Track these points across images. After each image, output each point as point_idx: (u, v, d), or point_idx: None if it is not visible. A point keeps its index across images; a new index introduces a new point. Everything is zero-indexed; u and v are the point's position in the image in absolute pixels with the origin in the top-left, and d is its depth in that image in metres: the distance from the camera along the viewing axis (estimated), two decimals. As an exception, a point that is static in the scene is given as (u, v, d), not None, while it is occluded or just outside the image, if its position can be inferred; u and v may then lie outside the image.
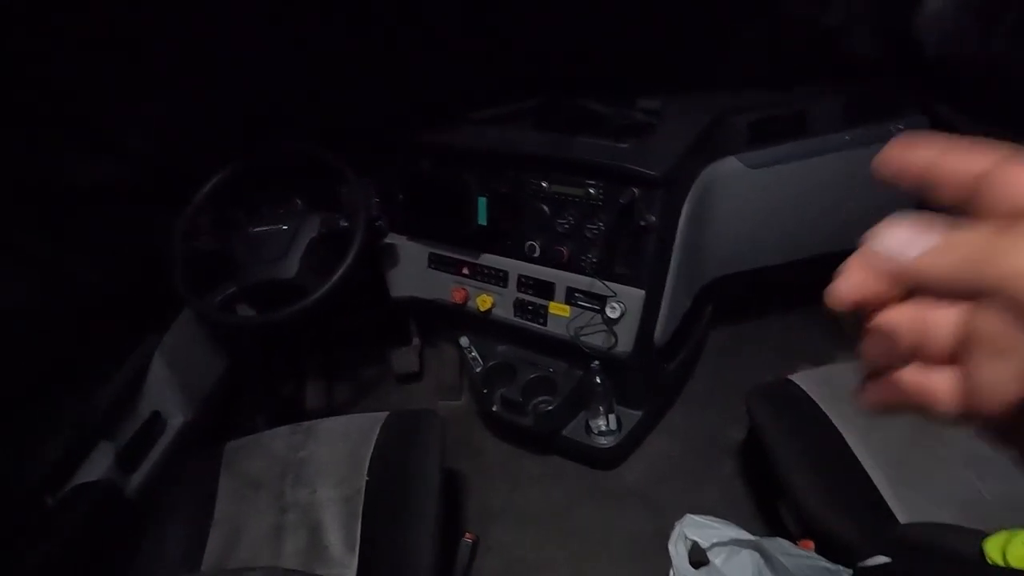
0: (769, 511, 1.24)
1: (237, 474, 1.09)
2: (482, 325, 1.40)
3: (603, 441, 1.36)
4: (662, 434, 1.51)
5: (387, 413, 1.14)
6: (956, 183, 0.20)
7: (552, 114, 1.24)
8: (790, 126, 1.23)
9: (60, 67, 1.01)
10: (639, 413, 1.40)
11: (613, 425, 1.36)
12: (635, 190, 1.08)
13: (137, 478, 1.13)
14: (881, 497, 0.89)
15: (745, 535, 0.93)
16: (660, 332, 1.22)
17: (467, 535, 0.95)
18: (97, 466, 1.07)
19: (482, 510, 1.42)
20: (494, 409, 1.38)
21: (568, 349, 1.29)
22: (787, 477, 0.95)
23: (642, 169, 1.06)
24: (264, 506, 1.03)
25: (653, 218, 1.07)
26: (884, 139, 1.00)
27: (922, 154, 0.21)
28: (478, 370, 1.42)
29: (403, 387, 1.80)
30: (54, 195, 1.08)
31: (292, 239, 1.19)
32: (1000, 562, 0.62)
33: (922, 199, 0.21)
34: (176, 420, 1.27)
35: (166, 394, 1.26)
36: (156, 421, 1.23)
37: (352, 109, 1.34)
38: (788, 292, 1.70)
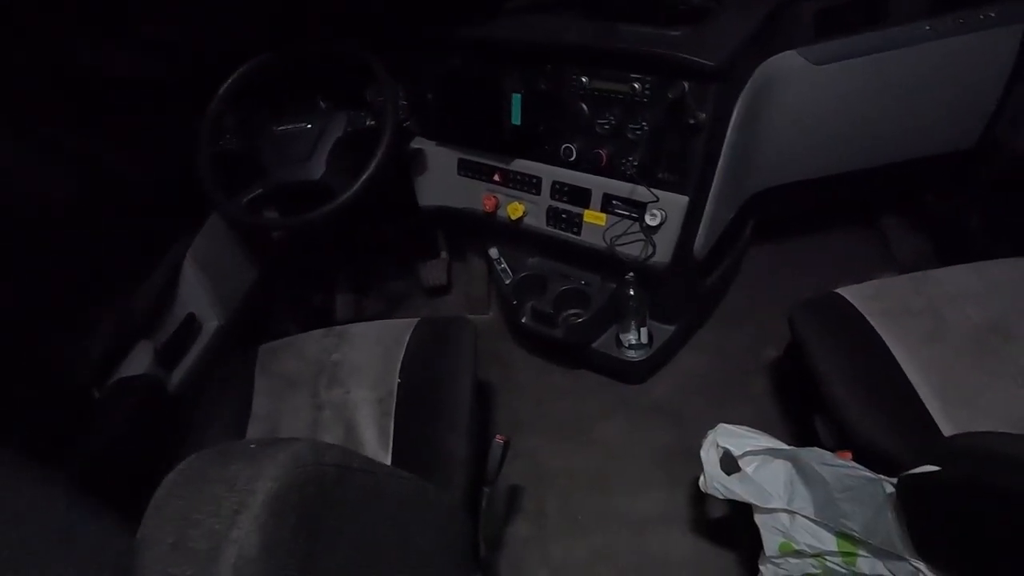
0: (802, 429, 1.22)
1: (273, 373, 1.11)
2: (513, 235, 1.35)
3: (633, 355, 1.34)
4: (693, 351, 1.48)
5: (418, 319, 1.13)
6: None
7: (597, 0, 1.12)
8: (863, 14, 1.10)
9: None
10: (672, 328, 1.37)
11: (644, 339, 1.34)
12: (685, 84, 0.98)
13: (177, 375, 1.17)
14: (928, 411, 0.86)
15: (780, 444, 0.92)
16: (701, 244, 1.16)
17: (499, 437, 0.96)
18: (138, 363, 1.10)
19: (510, 420, 1.44)
20: (524, 321, 1.37)
21: (602, 260, 1.25)
22: (829, 389, 0.92)
23: (695, 58, 0.96)
24: (300, 403, 1.05)
25: (704, 116, 0.98)
26: (972, 29, 0.86)
27: None
28: (508, 282, 1.39)
29: (431, 300, 1.80)
30: (88, 90, 1.04)
31: (318, 139, 1.14)
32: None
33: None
34: (211, 323, 1.29)
35: (200, 297, 1.27)
36: (192, 322, 1.24)
37: (383, 2, 1.24)
38: (835, 209, 1.60)
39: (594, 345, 1.38)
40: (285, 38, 1.18)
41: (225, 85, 1.15)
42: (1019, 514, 0.57)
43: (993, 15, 1.08)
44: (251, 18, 1.25)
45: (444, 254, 1.76)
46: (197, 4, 1.20)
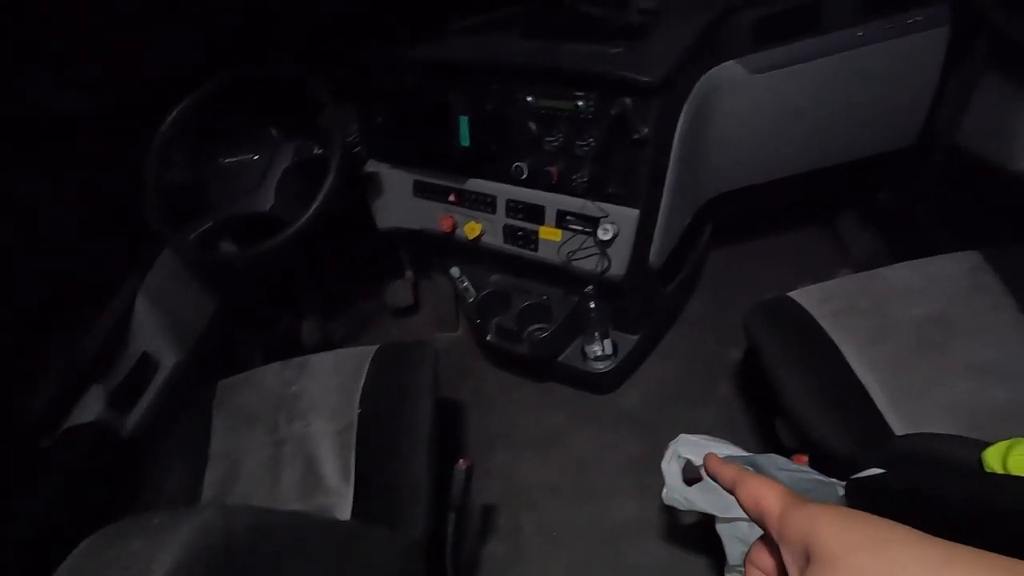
0: (765, 430, 1.24)
1: (231, 410, 1.09)
2: (473, 254, 1.35)
3: (599, 366, 1.35)
4: (659, 357, 1.50)
5: (377, 346, 1.12)
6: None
7: (541, 19, 1.13)
8: (798, 23, 1.12)
9: None
10: (635, 337, 1.38)
11: (609, 350, 1.34)
12: (627, 100, 1.00)
13: (132, 419, 1.14)
14: (878, 410, 0.88)
15: (738, 451, 0.93)
16: (656, 254, 1.17)
17: (461, 461, 0.95)
18: (89, 408, 1.07)
19: (482, 437, 1.44)
20: (489, 339, 1.37)
21: (561, 274, 1.25)
22: (783, 391, 0.94)
23: (635, 75, 0.97)
24: (259, 440, 1.03)
25: (647, 130, 1.00)
26: (901, 33, 0.89)
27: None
28: (471, 300, 1.39)
29: (399, 320, 1.79)
30: (27, 127, 1.02)
31: (266, 169, 1.12)
32: (1000, 470, 0.60)
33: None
34: (168, 361, 1.26)
35: (154, 335, 1.24)
36: (147, 362, 1.22)
37: (325, 24, 1.23)
38: (789, 210, 1.64)
39: (560, 358, 1.38)
40: (229, 66, 1.17)
41: (171, 116, 1.13)
42: (958, 519, 0.58)
43: (920, 19, 1.12)
44: (194, 47, 1.24)
45: (409, 274, 1.75)
46: (139, 35, 1.18)
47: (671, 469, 0.94)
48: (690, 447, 0.96)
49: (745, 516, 0.87)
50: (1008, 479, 0.58)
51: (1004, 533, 0.51)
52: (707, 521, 1.14)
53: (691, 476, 0.95)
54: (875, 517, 0.25)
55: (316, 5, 1.26)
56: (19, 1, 0.91)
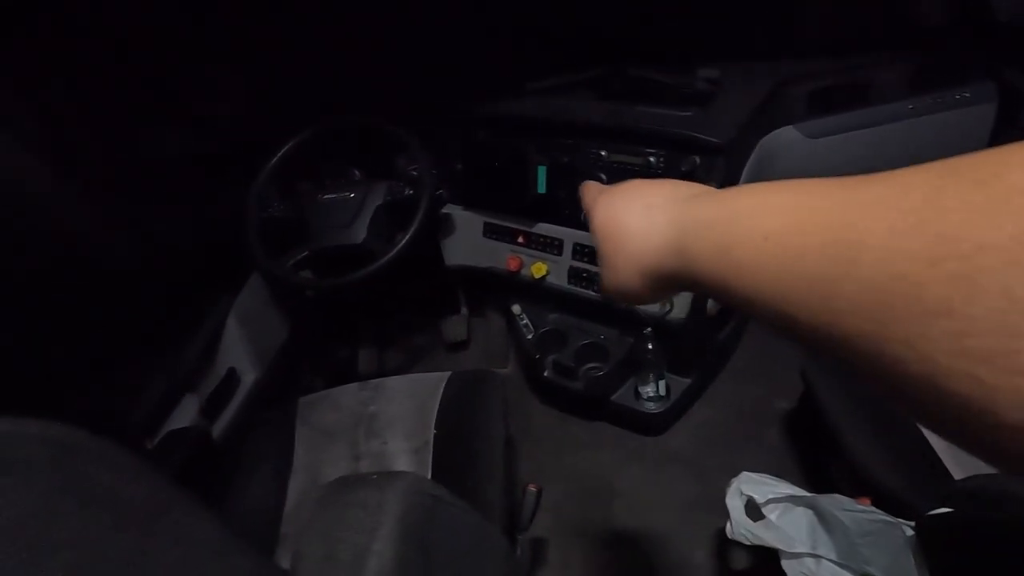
0: (818, 476, 1.27)
1: (312, 425, 1.16)
2: (534, 293, 1.44)
3: (652, 407, 1.40)
4: (708, 402, 1.54)
5: (450, 372, 1.20)
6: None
7: (612, 84, 1.26)
8: (851, 95, 1.23)
9: (149, 52, 1.08)
10: (688, 380, 1.43)
11: (662, 391, 1.39)
12: (696, 158, 1.10)
13: (220, 427, 1.22)
14: (936, 456, 0.92)
15: (800, 492, 0.97)
16: (712, 301, 1.24)
17: (531, 485, 1.01)
18: (185, 415, 1.16)
19: (533, 472, 1.48)
20: (545, 374, 1.43)
21: (619, 316, 1.33)
22: (843, 436, 0.98)
23: (705, 136, 1.07)
24: (339, 455, 1.10)
25: (715, 185, 1.09)
26: (949, 107, 1.01)
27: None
28: (530, 336, 1.47)
29: (451, 355, 1.87)
30: (147, 166, 1.16)
31: (360, 206, 1.24)
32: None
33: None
34: (248, 377, 1.36)
35: (240, 352, 1.34)
36: (233, 376, 1.31)
37: (414, 81, 1.38)
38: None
39: (613, 397, 1.44)
40: (324, 113, 1.31)
41: (272, 161, 1.27)
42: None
43: (968, 95, 1.21)
44: (294, 97, 1.40)
45: (464, 310, 1.84)
46: (247, 92, 1.34)
47: (735, 504, 0.98)
48: (752, 485, 1.00)
49: (811, 551, 0.90)
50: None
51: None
52: (759, 565, 1.16)
53: (753, 514, 0.99)
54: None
55: (408, 65, 1.41)
56: (151, 61, 1.08)
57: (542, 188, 1.22)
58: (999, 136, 1.26)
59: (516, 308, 1.49)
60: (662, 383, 1.38)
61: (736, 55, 1.27)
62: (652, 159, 1.14)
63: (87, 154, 1.09)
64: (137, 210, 1.18)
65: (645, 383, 1.38)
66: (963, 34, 1.22)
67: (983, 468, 0.87)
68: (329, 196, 1.26)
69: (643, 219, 0.34)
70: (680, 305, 1.20)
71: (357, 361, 1.84)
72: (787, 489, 0.98)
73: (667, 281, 0.33)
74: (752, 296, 0.25)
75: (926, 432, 0.94)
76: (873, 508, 0.86)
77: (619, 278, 0.36)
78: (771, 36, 1.29)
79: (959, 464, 0.90)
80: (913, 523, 0.80)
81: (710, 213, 0.29)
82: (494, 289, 1.62)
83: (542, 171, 1.21)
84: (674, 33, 1.27)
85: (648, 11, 1.27)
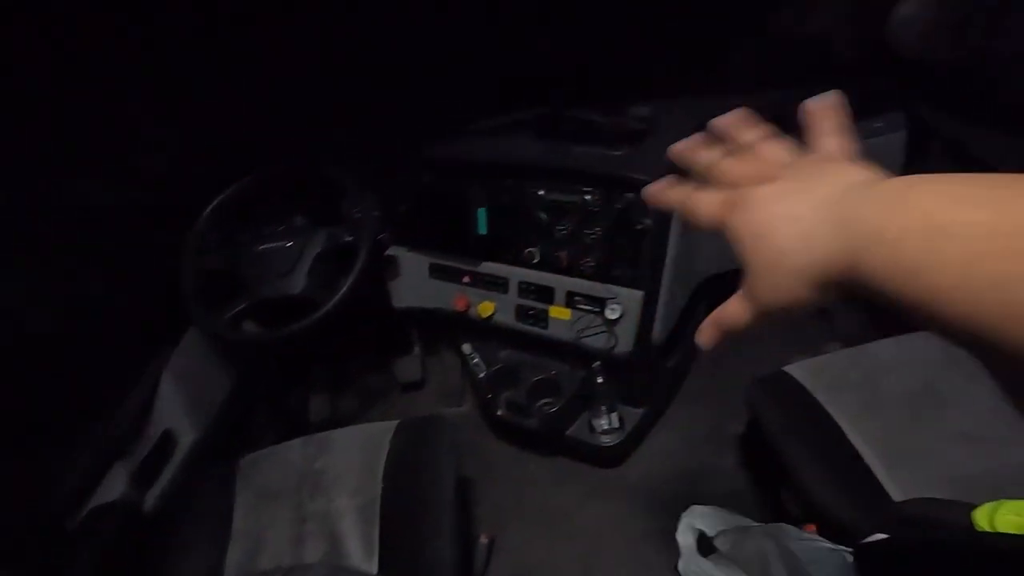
0: (772, 499, 1.28)
1: (254, 486, 1.11)
2: (484, 331, 1.43)
3: (606, 439, 1.40)
4: (664, 430, 1.54)
5: (397, 422, 1.17)
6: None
7: (549, 124, 1.28)
8: (774, 126, 1.28)
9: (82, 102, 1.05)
10: (641, 411, 1.44)
11: (616, 423, 1.39)
12: (630, 195, 1.12)
13: (152, 496, 1.15)
14: (876, 478, 0.94)
15: (749, 522, 0.97)
16: (658, 331, 1.26)
17: (483, 536, 0.98)
18: (113, 487, 1.08)
19: (491, 513, 1.44)
20: (499, 413, 1.41)
21: (569, 351, 1.33)
22: (788, 464, 0.99)
23: (636, 175, 1.10)
24: (282, 517, 1.05)
25: (648, 222, 1.11)
26: (865, 136, 1.07)
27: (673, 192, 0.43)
28: (482, 375, 1.45)
29: (406, 395, 1.83)
30: (74, 217, 1.11)
31: (299, 255, 1.22)
32: (988, 529, 0.67)
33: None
34: (187, 438, 1.29)
35: (176, 412, 1.27)
36: (168, 439, 1.24)
37: (353, 125, 1.37)
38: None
39: (568, 432, 1.43)
40: (264, 159, 1.29)
41: (207, 210, 1.23)
42: (959, 574, 0.63)
43: (880, 125, 1.29)
44: (231, 144, 1.37)
45: (417, 350, 1.81)
46: (180, 140, 1.31)
47: (686, 541, 0.98)
48: (702, 518, 1.00)
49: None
50: (997, 536, 0.65)
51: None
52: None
53: (704, 547, 0.99)
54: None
55: (344, 110, 1.40)
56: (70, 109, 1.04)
57: (483, 229, 1.23)
58: (913, 162, 1.34)
59: (467, 347, 1.48)
60: (614, 415, 1.38)
61: (667, 93, 1.32)
62: (588, 197, 1.17)
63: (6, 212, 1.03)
64: (58, 266, 1.12)
65: (598, 416, 1.38)
66: (875, 69, 1.30)
67: (921, 488, 0.90)
68: (267, 245, 1.23)
69: (798, 227, 0.31)
70: (624, 338, 1.21)
71: (308, 409, 1.79)
72: (736, 520, 0.99)
73: (836, 291, 0.31)
74: (941, 313, 0.24)
75: (864, 456, 0.96)
76: (817, 536, 0.87)
77: (778, 293, 0.33)
78: (699, 74, 1.35)
79: (898, 486, 0.92)
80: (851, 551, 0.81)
81: (880, 219, 0.27)
82: (446, 328, 1.60)
83: (482, 213, 1.22)
84: (608, 74, 1.31)
85: (584, 54, 1.30)
